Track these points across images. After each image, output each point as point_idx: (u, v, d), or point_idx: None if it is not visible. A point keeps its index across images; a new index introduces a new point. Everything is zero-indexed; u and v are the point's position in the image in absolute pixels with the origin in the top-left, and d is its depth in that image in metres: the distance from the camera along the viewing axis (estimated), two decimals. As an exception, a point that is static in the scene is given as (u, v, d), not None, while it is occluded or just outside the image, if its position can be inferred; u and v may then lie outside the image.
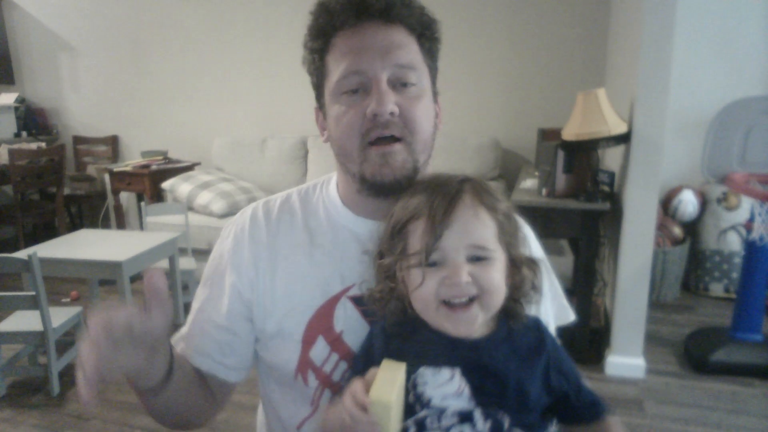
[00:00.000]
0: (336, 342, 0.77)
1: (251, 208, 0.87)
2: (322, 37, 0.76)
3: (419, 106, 0.75)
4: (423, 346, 0.69)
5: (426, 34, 0.77)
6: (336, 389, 0.78)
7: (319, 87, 0.80)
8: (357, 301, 0.78)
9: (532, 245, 0.85)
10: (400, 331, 0.72)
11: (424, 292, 0.68)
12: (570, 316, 0.92)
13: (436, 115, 0.82)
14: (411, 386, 0.67)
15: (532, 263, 0.73)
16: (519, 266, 0.72)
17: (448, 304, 0.67)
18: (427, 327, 0.70)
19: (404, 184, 0.75)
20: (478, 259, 0.67)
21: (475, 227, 0.68)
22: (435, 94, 0.81)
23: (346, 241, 0.81)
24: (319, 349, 0.78)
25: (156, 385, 0.70)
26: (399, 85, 0.74)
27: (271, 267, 0.81)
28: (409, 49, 0.75)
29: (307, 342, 0.78)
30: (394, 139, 0.73)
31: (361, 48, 0.73)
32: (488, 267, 0.68)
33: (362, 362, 0.72)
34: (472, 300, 0.67)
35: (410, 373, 0.66)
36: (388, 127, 0.72)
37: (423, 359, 0.68)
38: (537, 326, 0.74)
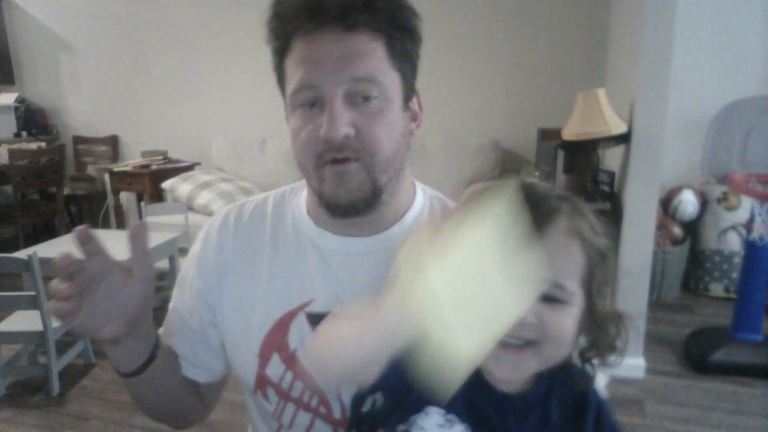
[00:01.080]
0: (290, 360, 0.74)
1: (224, 212, 0.85)
2: (278, 38, 0.69)
3: (379, 124, 0.67)
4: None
5: (396, 31, 0.67)
6: (299, 404, 0.76)
7: (282, 88, 0.74)
8: (312, 319, 0.74)
9: None
10: None
11: None
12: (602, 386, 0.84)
13: (413, 116, 0.75)
14: (406, 428, 0.58)
15: (619, 319, 0.61)
16: (600, 321, 0.59)
17: (503, 346, 0.55)
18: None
19: (361, 206, 0.69)
20: (551, 299, 0.55)
21: (561, 260, 0.55)
22: (408, 98, 0.72)
23: (308, 253, 0.77)
24: (275, 366, 0.75)
25: (137, 369, 0.71)
26: (359, 99, 0.66)
27: (231, 275, 0.79)
28: (370, 58, 0.65)
29: (264, 357, 0.75)
30: (349, 160, 0.67)
31: (314, 59, 0.65)
32: (560, 312, 0.55)
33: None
34: (529, 344, 0.55)
35: (415, 411, 0.58)
36: (342, 151, 0.66)
37: (434, 396, 0.56)
38: (584, 398, 0.61)
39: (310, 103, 0.67)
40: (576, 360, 0.60)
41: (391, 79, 0.68)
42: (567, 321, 0.56)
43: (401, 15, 0.68)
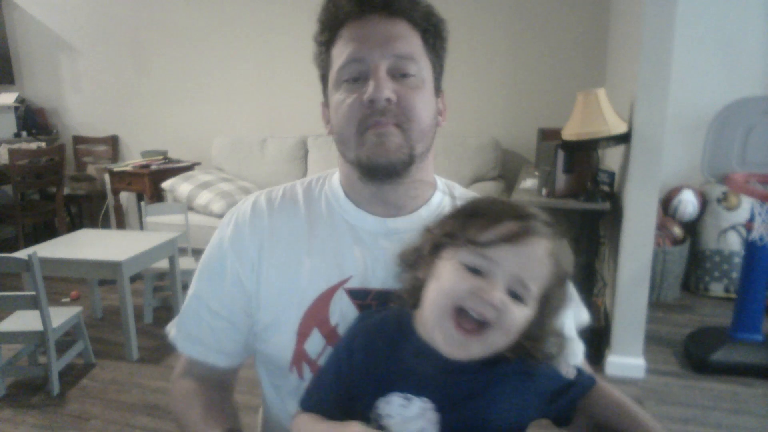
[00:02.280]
0: (331, 335, 0.77)
1: (253, 197, 0.88)
2: (328, 30, 0.78)
3: (417, 96, 0.75)
4: (402, 365, 0.64)
5: (430, 30, 0.77)
6: None
7: (324, 79, 0.81)
8: (353, 294, 0.78)
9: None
10: (384, 338, 0.67)
11: (450, 287, 0.63)
12: (585, 317, 0.89)
13: (439, 111, 0.82)
14: (375, 416, 0.62)
15: (561, 341, 0.69)
16: (542, 331, 0.66)
17: (458, 317, 0.62)
18: (416, 340, 0.65)
19: (399, 168, 0.75)
20: (514, 294, 0.62)
21: (534, 268, 0.63)
22: (438, 89, 0.81)
23: (344, 233, 0.81)
24: (315, 342, 0.78)
25: None
26: (398, 75, 0.74)
27: (270, 255, 0.81)
28: (410, 42, 0.75)
29: (303, 334, 0.78)
30: (390, 124, 0.74)
31: (362, 37, 0.74)
32: (517, 307, 0.62)
33: (342, 362, 0.68)
34: (483, 326, 0.61)
35: (380, 396, 0.62)
36: (384, 114, 0.73)
37: (398, 382, 0.63)
38: (530, 369, 0.68)
39: (354, 77, 0.75)
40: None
41: (425, 64, 0.77)
42: (519, 316, 0.62)
43: (435, 16, 0.78)
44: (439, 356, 0.63)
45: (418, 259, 0.69)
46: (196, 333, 0.84)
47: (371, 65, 0.73)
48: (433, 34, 0.78)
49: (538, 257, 0.64)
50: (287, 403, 0.83)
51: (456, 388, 0.63)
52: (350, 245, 0.80)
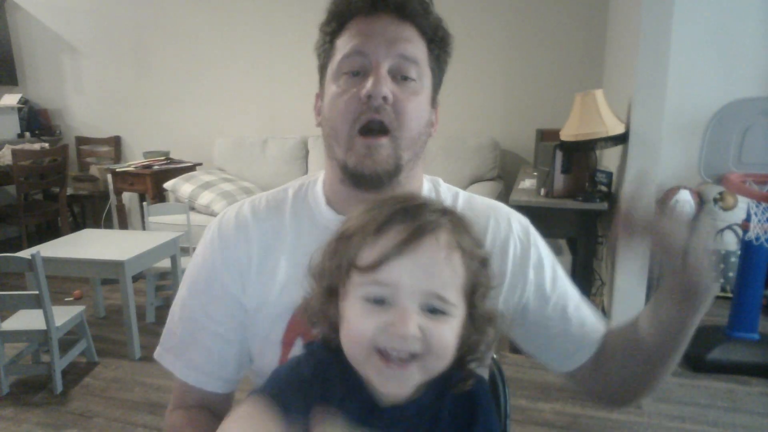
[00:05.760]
0: None
1: (235, 207, 0.85)
2: (336, 21, 0.77)
3: (414, 102, 0.75)
4: (342, 393, 0.58)
5: (436, 40, 0.78)
6: None
7: (323, 69, 0.81)
8: None
9: (540, 245, 0.84)
10: (329, 364, 0.60)
11: (358, 332, 0.55)
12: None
13: (431, 122, 0.81)
14: None
15: (495, 319, 0.62)
16: (480, 325, 0.60)
17: (383, 354, 0.54)
18: (353, 372, 0.58)
19: (384, 179, 0.74)
20: (433, 311, 0.55)
21: (442, 272, 0.55)
22: (434, 100, 0.81)
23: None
24: (298, 351, 0.76)
25: None
26: (399, 77, 0.74)
27: (256, 264, 0.79)
28: (416, 46, 0.75)
29: (287, 344, 0.77)
30: (381, 130, 0.73)
31: (370, 33, 0.74)
32: (442, 324, 0.55)
33: (285, 388, 0.59)
34: (413, 357, 0.54)
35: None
36: (379, 113, 0.72)
37: (338, 411, 0.55)
38: (472, 398, 0.61)
39: (355, 71, 0.74)
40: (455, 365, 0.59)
41: (426, 72, 0.77)
42: (448, 332, 0.55)
43: (443, 29, 0.79)
44: (368, 394, 0.57)
45: (322, 307, 0.61)
46: (195, 359, 0.80)
47: (374, 61, 0.73)
48: (438, 45, 0.78)
49: (442, 258, 0.55)
50: None
51: (385, 425, 0.57)
52: None
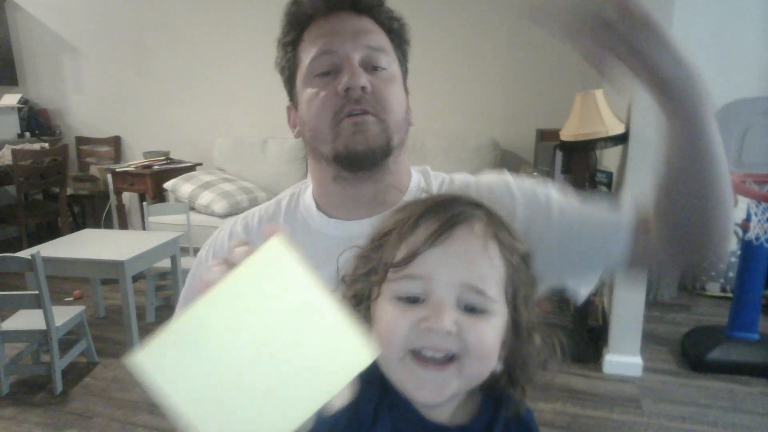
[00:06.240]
0: None
1: (228, 226, 0.85)
2: (294, 29, 0.77)
3: (391, 88, 0.75)
4: (392, 411, 0.52)
5: (394, 30, 0.78)
6: None
7: (290, 80, 0.80)
8: None
9: (522, 186, 0.79)
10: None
11: (391, 333, 0.50)
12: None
13: (408, 108, 0.81)
14: None
15: (547, 330, 0.56)
16: (526, 335, 0.54)
17: (417, 355, 0.49)
18: (394, 392, 0.52)
19: (378, 156, 0.72)
20: (471, 309, 0.50)
21: (478, 263, 0.51)
22: (405, 87, 0.81)
23: (322, 247, 0.75)
24: None
25: None
26: (370, 68, 0.74)
27: None
28: (379, 36, 0.76)
29: None
30: (366, 113, 0.72)
31: (332, 31, 0.74)
32: (482, 322, 0.50)
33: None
34: (450, 359, 0.49)
35: None
36: (360, 103, 0.71)
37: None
38: (528, 427, 0.56)
39: (326, 71, 0.73)
40: (503, 382, 0.55)
41: (394, 60, 0.78)
42: (489, 332, 0.50)
43: (398, 19, 0.79)
44: (421, 416, 0.52)
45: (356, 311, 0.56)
46: None
47: (343, 56, 0.72)
48: (397, 34, 0.79)
49: (478, 248, 0.51)
50: None
51: None
52: (331, 257, 0.75)
